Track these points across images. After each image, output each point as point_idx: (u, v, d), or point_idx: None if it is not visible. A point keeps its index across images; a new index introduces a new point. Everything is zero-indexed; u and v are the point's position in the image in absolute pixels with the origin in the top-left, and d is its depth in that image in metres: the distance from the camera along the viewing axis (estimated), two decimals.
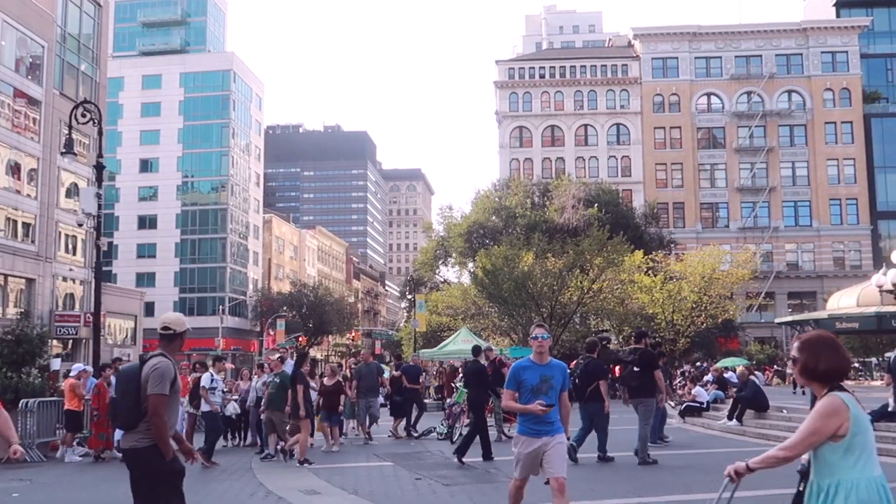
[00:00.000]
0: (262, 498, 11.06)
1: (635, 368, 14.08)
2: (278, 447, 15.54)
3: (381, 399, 21.04)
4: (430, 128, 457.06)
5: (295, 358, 16.37)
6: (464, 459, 14.13)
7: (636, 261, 45.52)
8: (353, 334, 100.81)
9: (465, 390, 19.89)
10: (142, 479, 5.95)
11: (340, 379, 17.86)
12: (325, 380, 17.34)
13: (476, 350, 17.17)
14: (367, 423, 19.00)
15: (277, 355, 19.21)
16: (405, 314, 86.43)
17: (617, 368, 23.71)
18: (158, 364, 5.92)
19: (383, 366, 30.21)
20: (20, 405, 16.77)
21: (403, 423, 20.46)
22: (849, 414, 3.87)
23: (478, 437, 14.54)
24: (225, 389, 17.49)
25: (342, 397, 17.62)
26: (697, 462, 13.89)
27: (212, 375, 16.03)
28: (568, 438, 7.41)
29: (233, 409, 16.11)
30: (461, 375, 27.37)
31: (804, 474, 4.15)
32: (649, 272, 46.95)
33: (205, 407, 15.50)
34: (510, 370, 7.42)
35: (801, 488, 4.16)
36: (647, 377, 13.95)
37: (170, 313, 6.50)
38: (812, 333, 4.23)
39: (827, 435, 3.87)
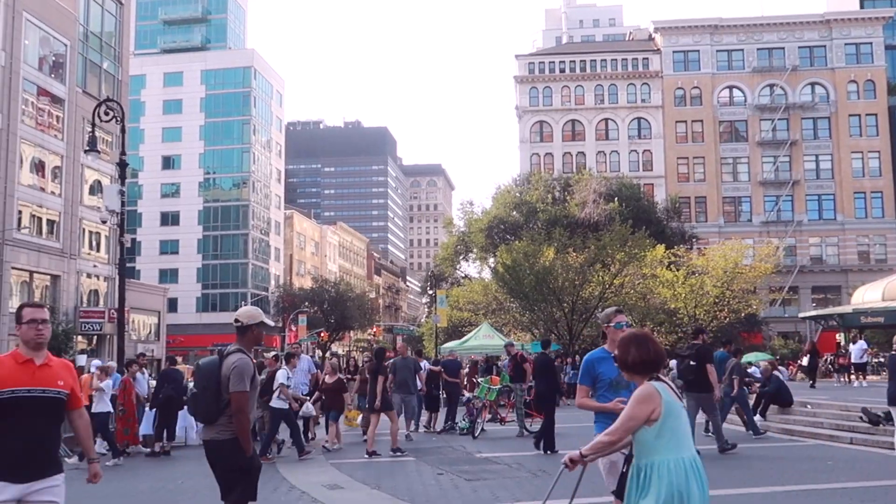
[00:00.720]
0: (285, 492, 11.12)
1: (692, 363, 14.29)
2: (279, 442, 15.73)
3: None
4: (450, 123, 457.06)
5: (375, 353, 16.42)
6: (489, 455, 14.21)
7: (658, 255, 45.27)
8: (375, 330, 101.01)
9: (487, 385, 19.93)
10: (218, 470, 6.15)
11: (342, 377, 17.73)
12: (326, 377, 17.15)
13: (546, 343, 17.27)
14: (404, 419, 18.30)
15: (273, 353, 19.02)
16: (426, 309, 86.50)
17: None
18: (238, 362, 6.03)
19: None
20: None
21: (436, 417, 20.46)
22: (661, 400, 4.31)
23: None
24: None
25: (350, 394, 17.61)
26: (720, 457, 13.78)
27: (287, 372, 15.59)
28: None
29: (307, 410, 15.73)
30: (482, 370, 27.44)
31: (628, 458, 4.52)
32: (671, 267, 46.70)
33: (278, 403, 15.03)
34: (583, 362, 6.45)
35: (624, 470, 4.55)
36: (704, 372, 14.15)
37: (243, 307, 6.60)
38: (629, 331, 4.75)
39: (642, 419, 4.30)
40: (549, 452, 14.51)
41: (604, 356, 6.33)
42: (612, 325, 6.47)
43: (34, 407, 4.86)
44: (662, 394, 4.33)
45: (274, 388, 15.08)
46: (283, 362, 16.78)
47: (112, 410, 16.07)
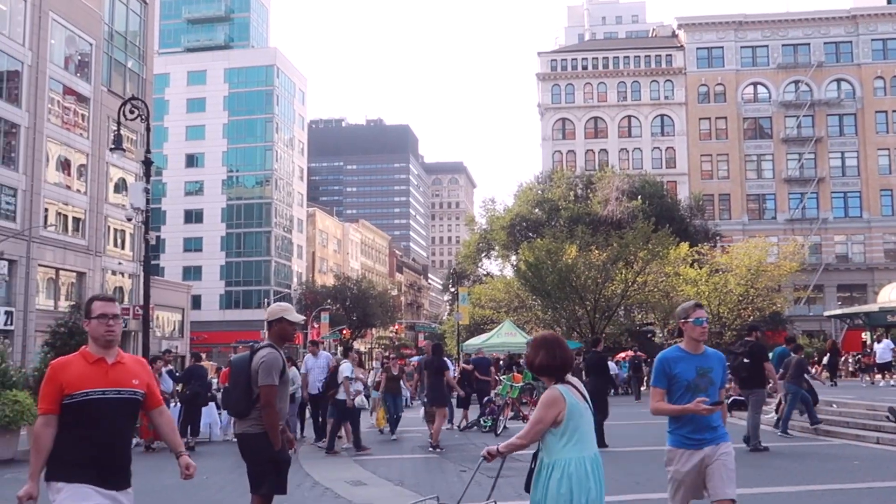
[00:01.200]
0: (308, 488, 11.17)
1: (745, 360, 14.49)
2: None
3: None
4: (472, 121, 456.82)
5: (433, 349, 16.86)
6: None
7: (681, 253, 45.03)
8: (397, 327, 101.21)
9: (509, 383, 19.89)
10: (248, 463, 6.27)
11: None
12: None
13: (596, 341, 17.38)
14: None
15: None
16: (448, 307, 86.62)
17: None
18: (266, 356, 6.10)
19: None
20: None
21: (466, 414, 20.46)
22: (566, 404, 4.62)
23: None
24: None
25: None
26: (748, 456, 13.69)
27: (351, 366, 16.02)
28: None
29: (360, 402, 16.10)
30: (503, 368, 27.41)
31: (536, 454, 4.82)
32: (695, 265, 46.44)
33: (340, 395, 15.53)
34: (656, 362, 5.83)
35: (532, 466, 4.81)
36: (757, 368, 14.41)
37: (273, 304, 6.69)
38: (540, 333, 5.06)
39: (549, 423, 4.60)
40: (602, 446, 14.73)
41: (680, 355, 5.75)
42: (690, 321, 5.76)
43: (110, 410, 4.46)
44: (566, 396, 4.65)
45: (339, 382, 15.54)
46: (343, 356, 17.30)
47: None
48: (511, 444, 4.79)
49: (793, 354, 17.11)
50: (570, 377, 4.82)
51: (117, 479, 4.53)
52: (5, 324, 39.52)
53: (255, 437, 6.10)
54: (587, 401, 4.79)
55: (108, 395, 4.46)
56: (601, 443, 14.74)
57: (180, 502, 10.85)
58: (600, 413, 15.18)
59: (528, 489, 4.80)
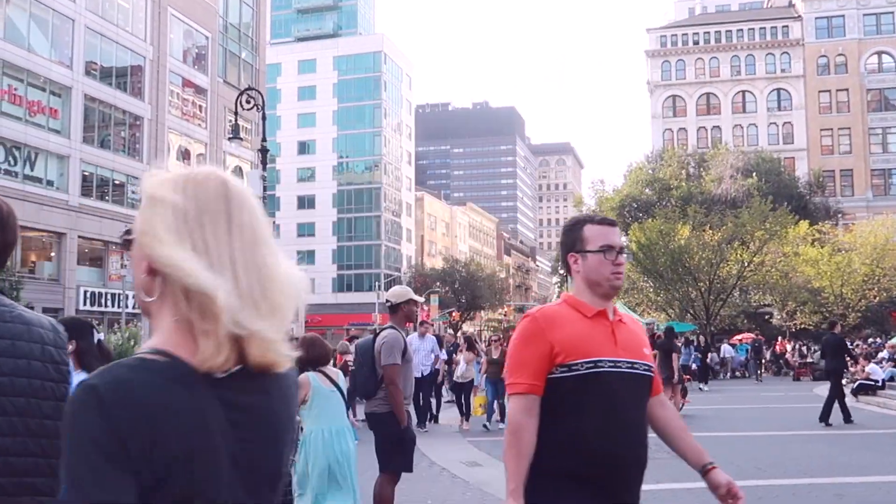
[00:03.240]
0: (425, 468, 11.33)
1: None
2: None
3: None
4: (579, 100, 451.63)
5: (665, 331, 18.14)
6: None
7: (800, 232, 43.50)
8: (506, 309, 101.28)
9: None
10: (377, 442, 6.58)
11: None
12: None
13: (832, 324, 17.72)
14: None
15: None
16: (557, 289, 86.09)
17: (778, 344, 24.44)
18: (387, 337, 6.41)
19: None
20: None
21: None
22: (310, 386, 5.97)
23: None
24: None
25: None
26: (874, 443, 13.18)
27: None
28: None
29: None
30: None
31: None
32: (815, 244, 44.75)
33: None
34: None
35: None
36: None
37: (394, 287, 6.98)
38: (306, 335, 6.48)
39: (299, 401, 5.57)
40: (848, 423, 15.27)
41: None
42: None
43: (625, 392, 2.78)
44: (312, 381, 5.98)
45: None
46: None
47: None
48: None
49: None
50: (328, 367, 6.20)
51: (633, 493, 2.88)
52: (134, 307, 41.48)
53: (383, 416, 6.38)
54: (338, 387, 6.10)
55: (621, 369, 2.78)
56: (825, 420, 15.17)
57: None
58: (835, 390, 15.64)
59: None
